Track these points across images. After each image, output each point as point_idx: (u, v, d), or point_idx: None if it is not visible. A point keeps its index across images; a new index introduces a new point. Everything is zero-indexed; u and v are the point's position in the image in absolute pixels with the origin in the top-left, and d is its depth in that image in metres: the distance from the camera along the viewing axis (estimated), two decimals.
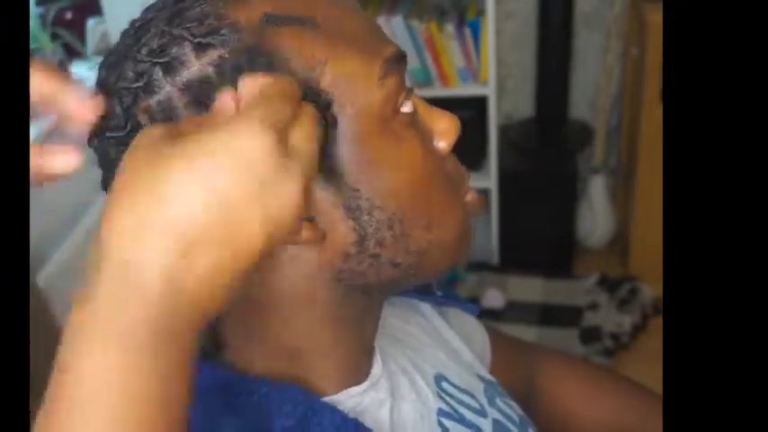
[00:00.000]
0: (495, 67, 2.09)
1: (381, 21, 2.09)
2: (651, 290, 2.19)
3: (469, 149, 2.25)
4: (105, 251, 0.34)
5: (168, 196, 0.34)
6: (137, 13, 0.47)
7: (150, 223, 0.34)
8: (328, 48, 0.45)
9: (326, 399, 0.51)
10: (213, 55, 0.43)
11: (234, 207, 0.35)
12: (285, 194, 0.36)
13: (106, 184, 0.47)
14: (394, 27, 2.08)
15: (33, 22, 1.80)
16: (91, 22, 1.99)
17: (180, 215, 0.34)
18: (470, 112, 2.22)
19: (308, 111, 0.40)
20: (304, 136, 0.38)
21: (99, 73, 0.46)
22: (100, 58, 0.47)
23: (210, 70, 0.43)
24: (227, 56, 0.43)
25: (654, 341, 2.07)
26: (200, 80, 0.43)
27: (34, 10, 1.83)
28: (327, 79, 0.45)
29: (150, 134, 0.37)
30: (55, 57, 1.85)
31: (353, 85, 0.45)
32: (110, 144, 0.45)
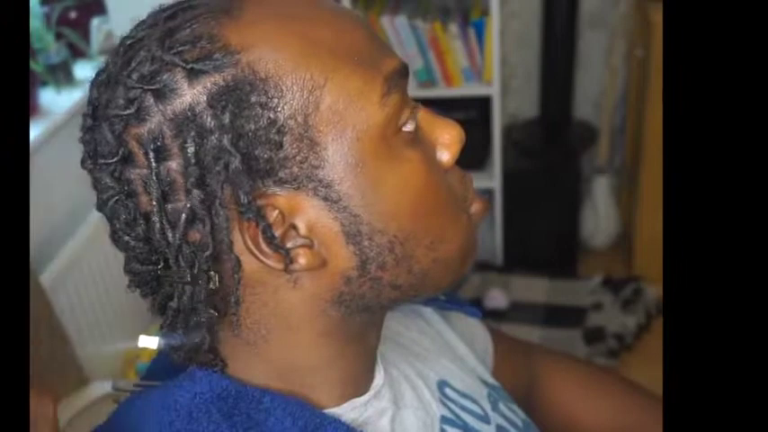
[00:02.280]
0: (499, 67, 2.09)
1: (385, 21, 2.09)
2: (655, 290, 2.19)
3: (473, 150, 2.25)
4: None
5: None
6: (141, 13, 0.47)
7: None
8: (327, 67, 0.44)
9: (329, 411, 0.50)
10: (206, 82, 0.42)
11: None
12: None
13: (102, 207, 0.46)
14: (398, 27, 2.08)
15: (37, 22, 1.80)
16: (95, 22, 1.99)
17: None
18: (474, 112, 2.22)
19: None
20: None
21: (90, 91, 0.46)
22: (104, 58, 0.47)
23: (203, 99, 0.42)
24: (221, 83, 0.42)
25: (658, 342, 2.06)
26: (192, 111, 0.42)
27: (38, 9, 1.83)
28: (326, 103, 0.44)
29: None
30: (59, 56, 1.85)
31: (354, 106, 0.44)
32: (103, 170, 0.44)
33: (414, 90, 2.13)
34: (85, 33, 1.98)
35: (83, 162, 0.46)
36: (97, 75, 0.46)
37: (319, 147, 0.44)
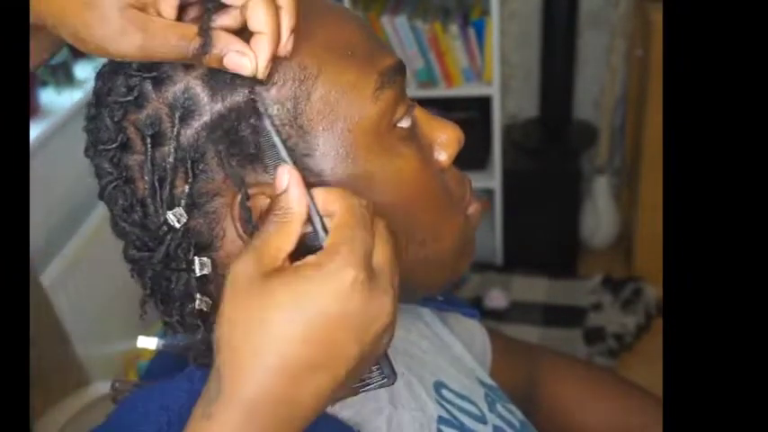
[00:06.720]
0: (499, 67, 2.09)
1: (385, 21, 2.09)
2: (655, 290, 2.18)
3: (473, 149, 2.25)
4: (225, 384, 0.39)
5: (276, 330, 0.38)
6: None
7: (263, 354, 0.38)
8: (321, 60, 0.45)
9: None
10: (201, 68, 0.43)
11: (333, 338, 0.39)
12: (378, 316, 0.40)
13: (102, 194, 0.47)
14: (398, 27, 2.08)
15: None
16: None
17: (287, 349, 0.38)
18: (474, 112, 2.22)
19: (382, 231, 0.42)
20: (385, 258, 0.41)
21: (95, 82, 0.47)
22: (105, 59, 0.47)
23: (198, 84, 0.43)
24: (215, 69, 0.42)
25: (658, 342, 2.06)
26: (186, 94, 0.43)
27: None
28: (319, 93, 0.44)
29: (246, 272, 0.39)
30: (59, 56, 1.85)
31: (346, 99, 0.45)
32: (103, 157, 0.46)
33: (414, 90, 2.13)
34: None
35: (86, 150, 0.47)
36: (102, 67, 0.47)
37: (309, 135, 0.45)
